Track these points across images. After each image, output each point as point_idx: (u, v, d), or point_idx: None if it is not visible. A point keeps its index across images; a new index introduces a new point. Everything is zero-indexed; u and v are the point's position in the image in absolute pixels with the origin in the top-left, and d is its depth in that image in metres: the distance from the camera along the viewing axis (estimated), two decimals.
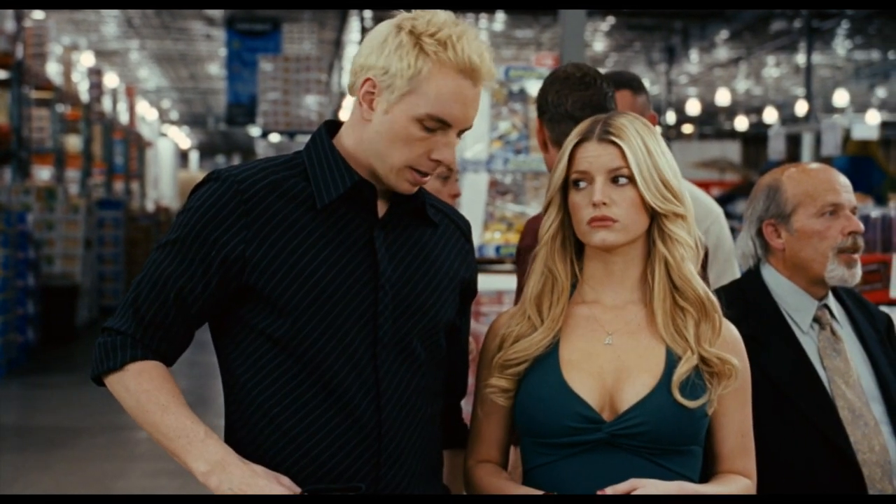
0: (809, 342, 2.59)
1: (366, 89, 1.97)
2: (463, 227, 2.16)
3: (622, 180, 2.02)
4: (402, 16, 1.99)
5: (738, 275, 3.28)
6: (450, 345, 2.13)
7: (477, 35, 1.98)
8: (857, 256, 2.59)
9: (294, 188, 1.99)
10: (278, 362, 1.97)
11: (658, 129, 2.36)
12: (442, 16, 1.97)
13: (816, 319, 2.62)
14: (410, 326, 2.02)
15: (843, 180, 2.65)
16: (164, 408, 1.95)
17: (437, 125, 1.95)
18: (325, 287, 1.96)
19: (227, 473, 1.89)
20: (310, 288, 1.95)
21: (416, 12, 1.98)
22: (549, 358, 2.04)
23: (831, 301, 2.66)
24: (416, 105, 1.94)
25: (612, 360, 2.03)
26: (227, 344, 2.03)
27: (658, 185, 2.01)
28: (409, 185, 2.00)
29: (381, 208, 2.03)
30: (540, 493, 2.00)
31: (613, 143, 2.03)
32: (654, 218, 2.04)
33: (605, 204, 2.01)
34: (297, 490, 1.91)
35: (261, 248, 1.95)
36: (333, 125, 2.08)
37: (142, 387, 1.96)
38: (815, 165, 2.71)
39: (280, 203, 1.97)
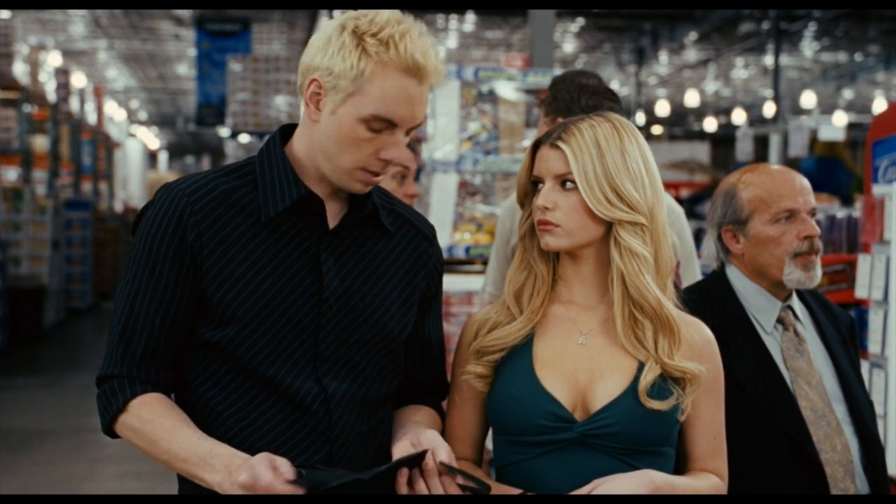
0: (773, 343, 2.61)
1: (312, 90, 1.95)
2: (425, 231, 2.13)
3: (569, 185, 2.02)
4: (346, 15, 1.96)
5: (698, 275, 3.30)
6: (419, 353, 2.12)
7: (422, 33, 1.94)
8: (814, 258, 2.60)
9: (244, 199, 1.97)
10: (225, 370, 1.96)
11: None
12: (385, 14, 1.94)
13: (780, 320, 2.64)
14: (356, 340, 2.00)
15: (801, 183, 2.63)
16: (171, 432, 1.91)
17: (383, 125, 1.92)
18: (269, 300, 1.94)
19: (234, 474, 1.82)
20: (255, 300, 1.94)
21: (360, 11, 1.94)
22: (522, 355, 2.04)
23: (795, 302, 2.67)
24: (361, 106, 1.91)
25: (585, 359, 2.02)
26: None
27: (605, 192, 2.00)
28: (361, 185, 1.97)
29: (334, 217, 2.01)
30: (516, 491, 1.99)
31: (560, 148, 2.03)
32: (613, 225, 2.03)
33: (547, 209, 2.02)
34: (291, 475, 1.80)
35: (210, 258, 1.94)
36: (289, 130, 2.06)
37: (145, 419, 1.93)
38: (772, 168, 2.69)
39: (230, 214, 1.96)
